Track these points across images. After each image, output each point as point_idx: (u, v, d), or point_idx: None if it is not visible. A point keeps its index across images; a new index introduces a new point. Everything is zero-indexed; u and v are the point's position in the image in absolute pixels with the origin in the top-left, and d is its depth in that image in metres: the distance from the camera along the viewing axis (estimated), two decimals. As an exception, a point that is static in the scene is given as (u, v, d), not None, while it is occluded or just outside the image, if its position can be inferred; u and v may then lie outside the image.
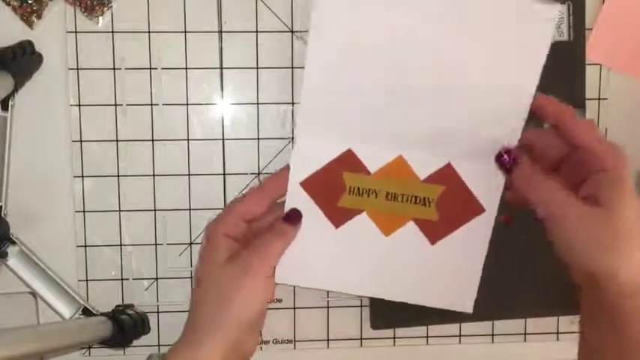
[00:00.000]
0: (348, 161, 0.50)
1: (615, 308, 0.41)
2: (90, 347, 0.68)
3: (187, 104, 0.66)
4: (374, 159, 0.50)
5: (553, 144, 0.46)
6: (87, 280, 0.68)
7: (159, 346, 0.69)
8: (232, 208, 0.51)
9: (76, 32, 0.65)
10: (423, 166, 0.50)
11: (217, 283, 0.48)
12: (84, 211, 0.67)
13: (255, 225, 0.51)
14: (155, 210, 0.67)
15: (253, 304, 0.48)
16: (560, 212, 0.42)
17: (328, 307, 0.70)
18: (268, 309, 0.69)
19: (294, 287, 0.69)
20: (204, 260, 0.50)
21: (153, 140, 0.67)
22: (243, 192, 0.67)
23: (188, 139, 0.67)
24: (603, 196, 0.41)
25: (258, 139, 0.67)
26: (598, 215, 0.41)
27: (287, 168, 0.51)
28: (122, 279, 0.68)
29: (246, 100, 0.67)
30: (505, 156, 0.46)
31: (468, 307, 0.54)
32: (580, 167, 0.43)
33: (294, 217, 0.51)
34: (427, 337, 0.71)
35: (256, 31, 0.66)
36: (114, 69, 0.66)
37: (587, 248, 0.41)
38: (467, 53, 0.47)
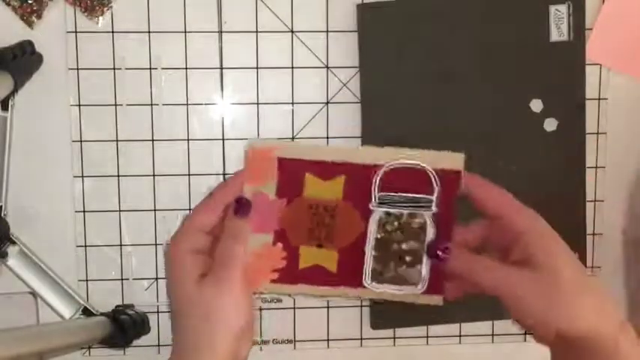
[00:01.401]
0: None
1: (605, 355, 0.41)
2: (90, 347, 0.68)
3: (187, 104, 0.66)
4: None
5: (473, 228, 0.47)
6: (87, 280, 0.68)
7: (159, 346, 0.69)
8: (188, 223, 0.48)
9: (76, 32, 0.65)
10: None
11: (196, 307, 0.45)
12: (84, 211, 0.67)
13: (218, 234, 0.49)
14: (155, 210, 0.67)
15: (238, 317, 0.46)
16: (502, 285, 0.43)
17: (328, 307, 0.70)
18: (268, 309, 0.69)
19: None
20: (175, 284, 0.47)
21: (153, 140, 0.67)
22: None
23: (188, 139, 0.67)
24: (536, 255, 0.43)
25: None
26: (537, 276, 0.42)
27: (237, 174, 0.50)
28: (122, 279, 0.68)
29: (246, 100, 0.67)
30: (436, 250, 0.46)
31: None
32: (503, 234, 0.45)
33: (243, 207, 0.48)
34: (427, 337, 0.71)
35: (256, 31, 0.66)
36: (114, 69, 0.65)
37: (539, 309, 0.42)
38: None
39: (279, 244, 0.48)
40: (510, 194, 0.46)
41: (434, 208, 0.46)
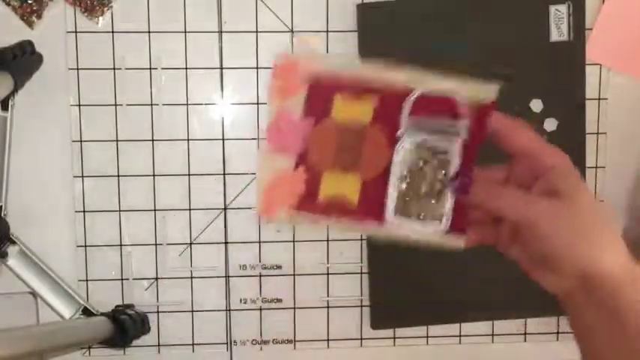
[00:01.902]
0: None
1: (615, 300, 0.41)
2: (90, 347, 0.68)
3: (187, 104, 0.66)
4: None
5: (493, 168, 0.46)
6: (87, 280, 0.68)
7: (159, 346, 0.69)
8: None
9: (76, 32, 0.65)
10: None
11: None
12: (84, 211, 0.67)
13: None
14: (155, 210, 0.67)
15: None
16: (530, 211, 0.42)
17: (328, 307, 0.70)
18: (268, 309, 0.69)
19: (294, 287, 0.69)
20: None
21: (153, 140, 0.67)
22: (243, 192, 0.67)
23: (188, 139, 0.67)
24: (563, 188, 0.42)
25: (258, 139, 0.67)
26: (565, 206, 0.42)
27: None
28: (122, 279, 0.68)
29: (246, 100, 0.67)
30: (458, 180, 0.45)
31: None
32: (525, 172, 0.44)
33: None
34: (427, 337, 0.71)
35: (256, 31, 0.66)
36: (114, 69, 0.66)
37: (567, 239, 0.41)
38: None
39: (301, 169, 0.45)
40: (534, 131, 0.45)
41: (463, 136, 0.44)
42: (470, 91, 0.44)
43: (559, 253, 0.42)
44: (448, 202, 0.45)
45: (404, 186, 0.46)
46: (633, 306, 0.40)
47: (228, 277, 0.69)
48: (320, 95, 0.44)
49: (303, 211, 0.45)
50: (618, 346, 0.42)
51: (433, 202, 0.46)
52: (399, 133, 0.45)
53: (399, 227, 0.46)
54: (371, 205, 0.46)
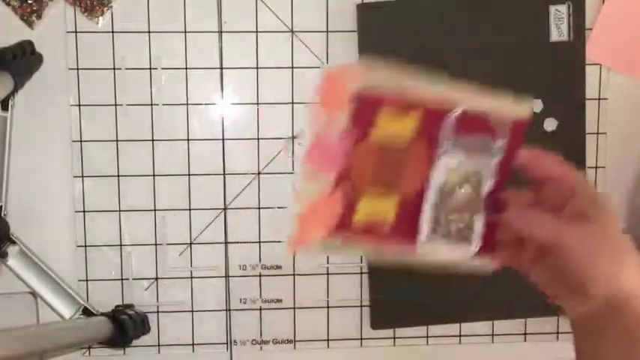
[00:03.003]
0: None
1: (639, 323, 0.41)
2: (90, 347, 0.68)
3: (187, 104, 0.66)
4: None
5: (523, 192, 0.47)
6: (87, 280, 0.68)
7: (159, 346, 0.69)
8: None
9: (76, 32, 0.65)
10: None
11: None
12: (84, 211, 0.67)
13: None
14: (155, 210, 0.67)
15: None
16: (560, 233, 0.43)
17: (328, 307, 0.70)
18: (268, 309, 0.69)
19: (294, 287, 0.69)
20: None
21: (153, 140, 0.67)
22: (243, 192, 0.67)
23: (188, 139, 0.67)
24: (592, 212, 0.43)
25: (258, 139, 0.67)
26: (594, 229, 0.42)
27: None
28: (122, 279, 0.68)
29: (246, 100, 0.67)
30: (493, 199, 0.45)
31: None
32: (554, 196, 0.45)
33: None
34: (427, 337, 0.71)
35: (256, 31, 0.66)
36: (114, 69, 0.66)
37: (596, 261, 0.42)
38: None
39: (338, 190, 0.43)
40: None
41: (499, 155, 0.45)
42: (506, 108, 0.44)
43: (587, 275, 0.42)
44: (479, 224, 0.45)
45: (440, 205, 0.45)
46: None
47: (228, 277, 0.69)
48: (365, 110, 0.43)
49: (337, 235, 0.44)
50: None
51: (466, 222, 0.45)
52: (439, 151, 0.44)
53: (431, 249, 0.45)
54: (407, 225, 0.45)
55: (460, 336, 0.71)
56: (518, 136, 0.45)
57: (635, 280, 0.42)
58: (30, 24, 0.64)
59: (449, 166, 0.45)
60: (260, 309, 0.69)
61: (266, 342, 0.70)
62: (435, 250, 0.45)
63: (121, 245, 0.67)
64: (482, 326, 0.71)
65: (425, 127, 0.44)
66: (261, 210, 0.68)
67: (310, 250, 0.46)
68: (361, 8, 0.66)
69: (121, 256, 0.68)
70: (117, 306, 0.68)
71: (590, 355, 0.45)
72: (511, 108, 0.44)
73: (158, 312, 0.69)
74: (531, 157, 0.46)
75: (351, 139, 0.43)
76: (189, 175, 0.67)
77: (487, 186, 0.45)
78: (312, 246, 0.44)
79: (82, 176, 0.66)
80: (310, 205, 0.44)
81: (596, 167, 0.70)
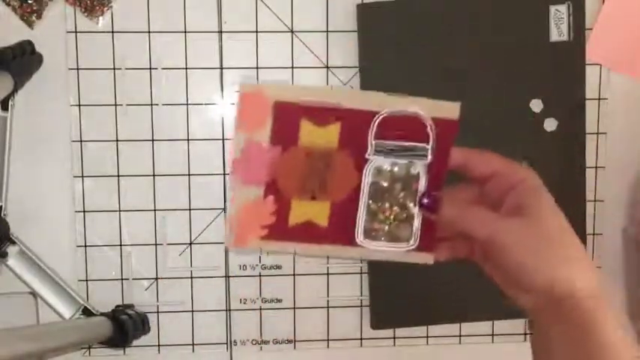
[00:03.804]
0: None
1: (580, 314, 0.41)
2: (90, 347, 0.68)
3: (187, 104, 0.66)
4: None
5: (461, 187, 0.47)
6: (87, 280, 0.68)
7: (159, 346, 0.69)
8: None
9: (76, 32, 0.65)
10: None
11: None
12: (84, 211, 0.67)
13: None
14: (155, 210, 0.67)
15: None
16: (494, 229, 0.43)
17: (328, 307, 0.70)
18: (268, 309, 0.69)
19: (294, 287, 0.69)
20: None
21: (153, 140, 0.67)
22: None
23: (188, 139, 0.67)
24: (528, 203, 0.43)
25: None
26: (530, 223, 0.42)
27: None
28: (122, 279, 0.68)
29: (246, 100, 0.67)
30: (426, 199, 0.46)
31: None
32: (495, 192, 0.45)
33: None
34: (427, 337, 0.71)
35: (256, 31, 0.66)
36: (114, 69, 0.66)
37: (532, 256, 0.42)
38: None
39: (270, 198, 0.46)
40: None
41: (429, 158, 0.45)
42: (432, 110, 0.45)
43: (525, 270, 0.42)
44: (416, 222, 0.46)
45: (373, 208, 0.46)
46: (597, 321, 0.40)
47: (228, 277, 0.69)
48: (286, 123, 0.45)
49: (273, 241, 0.46)
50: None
51: (402, 222, 0.47)
52: (366, 155, 0.46)
53: (368, 248, 0.46)
54: (341, 228, 0.47)
55: (460, 336, 0.71)
56: (448, 136, 0.45)
57: (579, 277, 0.41)
58: (30, 24, 0.64)
59: (378, 168, 0.46)
60: (260, 309, 0.69)
61: (266, 342, 0.70)
62: (371, 250, 0.47)
63: (121, 245, 0.67)
64: (482, 326, 0.71)
65: (349, 133, 0.45)
66: (261, 210, 0.68)
67: (247, 250, 0.47)
68: (361, 8, 0.66)
69: (121, 256, 0.68)
70: (117, 306, 0.68)
71: (541, 351, 0.45)
72: (438, 109, 0.45)
73: (158, 312, 0.69)
74: (466, 156, 0.46)
75: (276, 149, 0.45)
76: (189, 175, 0.67)
77: (421, 186, 0.46)
78: (250, 246, 0.46)
79: (82, 176, 0.66)
80: (243, 212, 0.46)
81: (596, 167, 0.70)
